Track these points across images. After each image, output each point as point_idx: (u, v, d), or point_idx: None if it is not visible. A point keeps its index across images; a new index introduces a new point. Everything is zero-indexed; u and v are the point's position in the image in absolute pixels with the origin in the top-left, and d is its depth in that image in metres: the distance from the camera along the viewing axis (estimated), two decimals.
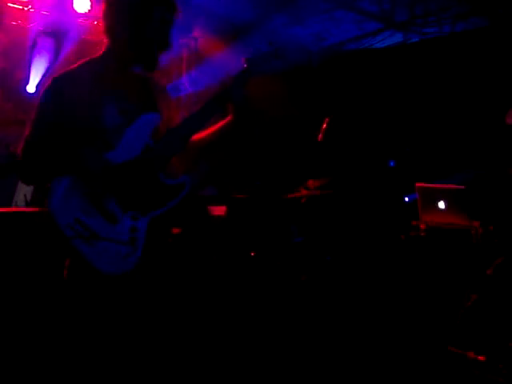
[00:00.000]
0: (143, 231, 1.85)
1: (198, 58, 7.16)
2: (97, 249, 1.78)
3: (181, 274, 4.06)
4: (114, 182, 1.83)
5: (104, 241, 1.79)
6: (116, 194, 1.83)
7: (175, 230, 4.39)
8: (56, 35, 6.28)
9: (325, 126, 4.93)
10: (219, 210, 4.84)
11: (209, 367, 3.27)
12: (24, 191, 4.26)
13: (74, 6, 5.92)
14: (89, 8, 5.87)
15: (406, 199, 5.30)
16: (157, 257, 1.94)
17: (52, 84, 1.89)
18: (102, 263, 1.79)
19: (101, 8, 1.96)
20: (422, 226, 4.13)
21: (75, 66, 1.95)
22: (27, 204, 4.27)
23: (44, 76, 6.21)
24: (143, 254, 1.84)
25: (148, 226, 1.86)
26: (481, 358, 3.43)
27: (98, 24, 6.54)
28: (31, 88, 6.20)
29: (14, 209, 4.20)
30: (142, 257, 1.83)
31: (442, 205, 4.05)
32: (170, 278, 2.02)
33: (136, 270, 1.83)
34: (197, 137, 2.07)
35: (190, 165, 2.10)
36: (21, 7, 6.01)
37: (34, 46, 6.25)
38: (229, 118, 2.07)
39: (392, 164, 6.17)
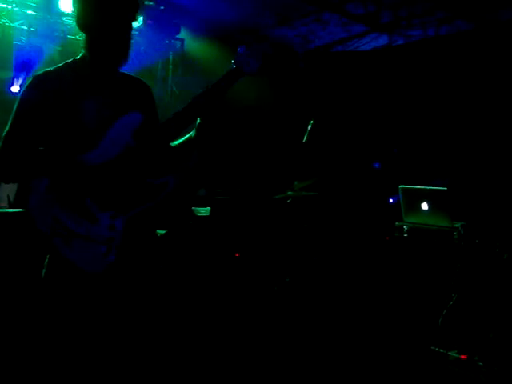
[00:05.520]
0: (121, 230, 1.85)
1: (185, 60, 7.15)
2: (75, 247, 1.79)
3: (161, 273, 4.05)
4: (92, 181, 1.83)
5: (82, 239, 1.79)
6: (94, 193, 1.83)
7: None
8: (41, 35, 6.22)
9: (310, 127, 4.95)
10: (204, 211, 4.84)
11: (189, 367, 3.27)
12: (7, 192, 4.21)
13: (60, 5, 5.89)
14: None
15: (391, 200, 5.35)
16: (135, 256, 1.94)
17: (33, 81, 1.87)
18: (81, 261, 1.79)
19: None
20: (405, 227, 4.16)
21: (57, 66, 1.95)
22: (10, 205, 4.22)
23: (28, 76, 6.15)
24: (121, 252, 1.84)
25: (127, 225, 1.86)
26: (463, 356, 3.48)
27: None
28: (15, 88, 6.14)
29: None
30: (119, 255, 1.83)
31: (425, 206, 4.09)
32: (147, 277, 2.02)
33: (113, 269, 1.83)
34: (178, 140, 2.08)
35: (175, 165, 2.11)
36: (5, 6, 5.96)
37: (18, 45, 6.19)
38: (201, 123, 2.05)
39: (377, 166, 6.22)
